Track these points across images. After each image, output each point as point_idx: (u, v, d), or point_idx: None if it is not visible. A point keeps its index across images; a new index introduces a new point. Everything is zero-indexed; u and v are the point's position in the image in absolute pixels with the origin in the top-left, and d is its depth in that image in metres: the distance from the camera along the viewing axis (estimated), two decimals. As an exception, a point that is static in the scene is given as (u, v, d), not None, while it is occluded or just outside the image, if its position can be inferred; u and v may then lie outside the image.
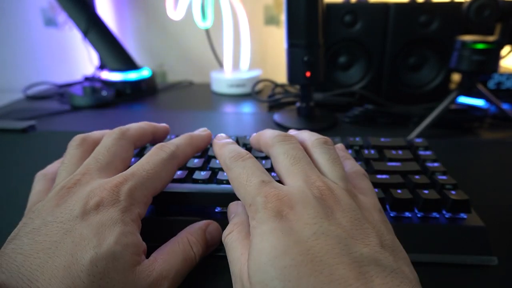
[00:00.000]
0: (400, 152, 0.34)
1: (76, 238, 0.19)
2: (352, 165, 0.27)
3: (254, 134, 0.28)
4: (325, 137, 0.25)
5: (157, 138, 0.30)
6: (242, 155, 0.23)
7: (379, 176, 0.30)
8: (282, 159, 0.23)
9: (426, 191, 0.27)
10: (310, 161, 0.23)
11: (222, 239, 0.23)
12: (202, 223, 0.25)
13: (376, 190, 0.28)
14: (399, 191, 0.28)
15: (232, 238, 0.22)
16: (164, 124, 0.31)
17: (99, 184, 0.22)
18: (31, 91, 0.75)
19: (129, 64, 0.74)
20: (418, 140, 0.36)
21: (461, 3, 0.53)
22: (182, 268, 0.22)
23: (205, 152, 0.35)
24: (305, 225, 0.18)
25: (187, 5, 0.74)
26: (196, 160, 0.33)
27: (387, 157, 0.33)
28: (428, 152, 0.34)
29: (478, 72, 0.46)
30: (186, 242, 0.23)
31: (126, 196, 0.21)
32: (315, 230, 0.18)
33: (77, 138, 0.27)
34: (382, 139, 0.36)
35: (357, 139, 0.37)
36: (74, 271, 0.18)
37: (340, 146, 0.30)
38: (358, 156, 0.35)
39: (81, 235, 0.19)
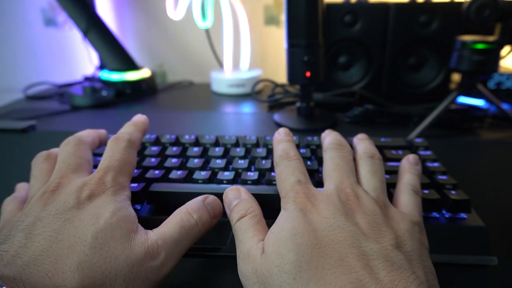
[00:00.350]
0: (400, 152, 0.34)
1: (76, 223, 0.21)
2: (409, 180, 0.26)
3: (327, 132, 0.32)
4: (374, 151, 0.27)
5: (102, 140, 0.31)
6: (290, 156, 0.26)
7: None
8: (327, 164, 0.26)
9: (426, 191, 0.28)
10: (352, 171, 0.25)
11: (233, 223, 0.24)
12: (200, 196, 0.26)
13: None
14: None
15: (244, 222, 0.23)
16: (102, 130, 0.32)
17: (83, 181, 0.23)
18: (31, 91, 0.75)
19: (129, 64, 0.74)
20: (418, 140, 0.36)
21: (461, 3, 0.53)
22: (180, 237, 0.22)
23: (205, 152, 0.35)
24: (323, 218, 0.20)
25: (187, 5, 0.74)
26: (196, 160, 0.33)
27: (387, 157, 0.33)
28: (428, 152, 0.34)
29: (478, 72, 0.46)
30: (184, 211, 0.24)
31: (112, 183, 0.23)
32: (331, 223, 0.20)
33: (42, 154, 0.28)
34: (382, 139, 0.36)
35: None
36: (78, 248, 0.19)
37: (411, 158, 0.29)
38: None
39: (80, 220, 0.21)
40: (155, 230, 0.22)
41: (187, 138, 0.38)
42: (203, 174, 0.31)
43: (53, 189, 0.23)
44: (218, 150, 0.35)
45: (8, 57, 0.97)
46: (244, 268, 0.21)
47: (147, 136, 0.38)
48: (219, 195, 0.28)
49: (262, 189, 0.28)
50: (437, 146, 0.44)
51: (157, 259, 0.21)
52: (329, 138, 0.29)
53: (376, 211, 0.21)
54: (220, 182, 0.30)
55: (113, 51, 0.73)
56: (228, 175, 0.30)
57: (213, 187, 0.29)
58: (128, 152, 0.26)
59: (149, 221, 0.28)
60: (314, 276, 0.18)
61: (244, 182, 0.30)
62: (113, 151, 0.26)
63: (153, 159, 0.33)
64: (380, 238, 0.19)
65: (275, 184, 0.29)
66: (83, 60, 0.92)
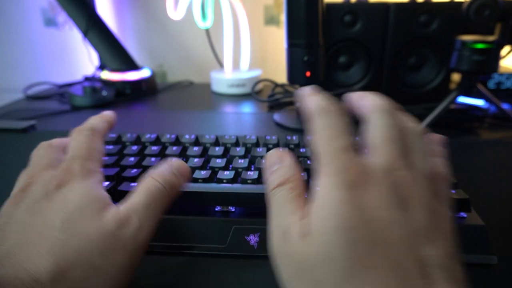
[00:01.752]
0: None
1: (44, 212, 0.21)
2: (438, 165, 0.23)
3: (357, 93, 0.25)
4: (422, 127, 0.23)
5: (111, 125, 0.31)
6: (332, 110, 0.22)
7: None
8: (375, 132, 0.21)
9: None
10: (405, 146, 0.21)
11: (269, 189, 0.22)
12: (164, 162, 0.26)
13: None
14: None
15: (283, 192, 0.21)
16: (108, 113, 0.32)
17: (51, 174, 0.23)
18: (31, 91, 0.75)
19: (129, 64, 0.74)
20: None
21: (461, 3, 0.53)
22: (149, 201, 0.23)
23: (205, 152, 0.35)
24: (377, 208, 0.18)
25: (187, 5, 0.74)
26: (196, 160, 0.33)
27: None
28: None
29: (478, 72, 0.46)
30: (149, 178, 0.24)
31: (79, 170, 0.23)
32: (386, 216, 0.17)
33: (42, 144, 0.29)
34: None
35: (357, 138, 0.37)
36: (48, 233, 0.20)
37: (438, 137, 0.26)
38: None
39: (48, 209, 0.21)
40: (124, 201, 0.23)
41: (187, 137, 0.38)
42: (203, 173, 0.31)
43: (23, 188, 0.23)
44: (218, 150, 0.35)
45: (8, 57, 0.97)
46: (278, 247, 0.19)
47: (147, 136, 0.38)
48: (220, 194, 0.28)
49: (262, 188, 0.28)
50: (437, 146, 0.44)
51: (130, 226, 0.21)
52: (376, 99, 0.23)
53: (434, 206, 0.19)
54: (220, 181, 0.30)
55: (113, 51, 0.73)
56: (228, 174, 0.30)
57: (213, 186, 0.29)
58: (92, 139, 0.26)
59: None
60: (368, 281, 0.16)
61: (244, 182, 0.30)
62: (77, 142, 0.26)
63: (153, 159, 0.33)
64: (438, 241, 0.18)
65: None
66: (83, 60, 0.92)
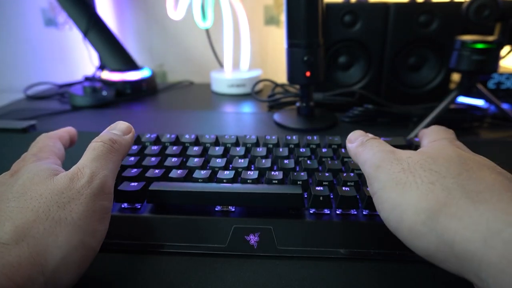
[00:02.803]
0: None
1: (2, 193, 0.23)
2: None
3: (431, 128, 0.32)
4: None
5: (72, 137, 0.33)
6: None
7: None
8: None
9: None
10: None
11: (362, 141, 0.27)
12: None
13: None
14: None
15: (379, 141, 0.27)
16: (70, 128, 0.33)
17: (11, 168, 0.26)
18: (31, 91, 0.75)
19: (129, 64, 0.74)
20: (418, 139, 0.36)
21: (461, 3, 0.53)
22: (94, 155, 0.25)
23: (205, 152, 0.35)
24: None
25: (187, 5, 0.74)
26: (196, 160, 0.33)
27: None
28: None
29: (478, 72, 0.46)
30: (91, 143, 0.26)
31: (32, 158, 0.26)
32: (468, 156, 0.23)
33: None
34: (382, 139, 0.36)
35: None
36: (5, 205, 0.21)
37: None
38: None
39: (2, 191, 0.23)
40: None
41: (187, 137, 0.38)
42: (203, 173, 0.31)
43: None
44: (218, 150, 0.35)
45: (8, 57, 0.97)
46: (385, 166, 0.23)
47: (148, 136, 0.38)
48: (220, 194, 0.28)
49: (262, 188, 0.28)
50: (437, 146, 0.44)
51: (82, 177, 0.23)
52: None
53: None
54: (220, 181, 0.30)
55: (113, 51, 0.73)
56: (228, 174, 0.30)
57: (213, 186, 0.29)
58: (45, 139, 0.29)
59: (150, 221, 0.28)
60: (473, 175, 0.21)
61: (244, 181, 0.30)
62: (34, 142, 0.29)
63: (153, 158, 0.33)
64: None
65: (275, 183, 0.29)
66: (83, 60, 0.92)
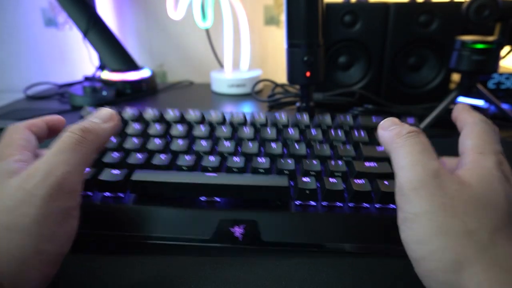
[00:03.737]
0: None
1: None
2: None
3: (461, 105, 0.30)
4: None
5: (51, 125, 0.31)
6: (490, 123, 0.27)
7: (367, 164, 0.29)
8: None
9: None
10: None
11: (400, 135, 0.24)
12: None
13: (363, 181, 0.28)
14: (386, 182, 0.27)
15: (421, 140, 0.24)
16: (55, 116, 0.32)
17: None
18: (31, 91, 0.75)
19: (129, 64, 0.74)
20: (410, 120, 0.34)
21: (461, 3, 0.53)
22: (59, 147, 0.23)
23: (190, 130, 0.34)
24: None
25: (187, 5, 0.74)
26: (181, 142, 0.32)
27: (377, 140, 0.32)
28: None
29: (478, 72, 0.46)
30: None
31: None
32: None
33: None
34: (374, 119, 0.34)
35: (348, 118, 0.35)
36: None
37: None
38: (347, 138, 0.33)
39: None
40: None
41: (171, 114, 0.37)
42: (188, 159, 0.30)
43: None
44: (204, 130, 0.34)
45: (8, 57, 0.97)
46: (426, 180, 0.21)
47: (130, 112, 0.37)
48: (204, 186, 0.27)
49: (248, 180, 0.28)
50: (437, 145, 0.44)
51: (36, 176, 0.21)
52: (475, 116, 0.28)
53: None
54: (205, 169, 0.29)
55: (113, 51, 0.73)
56: (214, 162, 0.30)
57: (197, 176, 0.28)
58: (15, 132, 0.26)
59: (133, 211, 0.28)
60: None
61: (230, 170, 0.29)
62: (1, 136, 0.27)
63: (135, 140, 0.32)
64: None
65: (261, 172, 0.29)
66: (83, 60, 0.92)
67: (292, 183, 0.29)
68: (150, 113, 0.36)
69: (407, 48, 0.57)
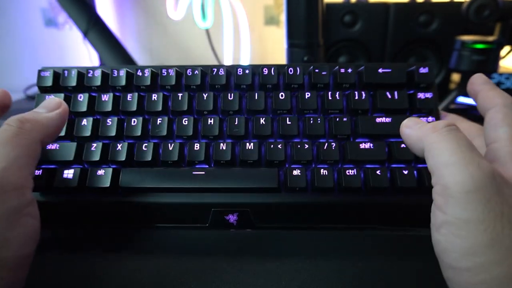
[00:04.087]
0: (396, 97, 0.29)
1: None
2: None
3: (481, 77, 0.26)
4: None
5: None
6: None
7: (362, 147, 0.28)
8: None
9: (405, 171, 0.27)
10: None
11: (437, 128, 0.20)
12: None
13: (354, 172, 0.27)
14: (378, 172, 0.27)
15: (460, 133, 0.20)
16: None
17: None
18: (31, 91, 0.75)
19: (129, 64, 0.74)
20: (423, 70, 0.30)
21: (461, 3, 0.53)
22: None
23: (166, 101, 0.30)
24: None
25: (187, 5, 0.74)
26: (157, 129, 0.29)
27: (379, 107, 0.29)
28: (429, 94, 0.30)
29: (478, 72, 0.46)
30: None
31: None
32: None
33: None
34: (380, 70, 0.30)
35: (349, 70, 0.30)
36: None
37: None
38: (347, 102, 0.29)
39: None
40: None
41: (139, 74, 0.32)
42: (171, 151, 0.28)
43: None
44: (182, 99, 0.30)
45: (8, 57, 0.97)
46: (474, 176, 0.18)
47: (65, 73, 0.34)
48: (193, 189, 0.28)
49: (236, 180, 0.28)
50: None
51: None
52: (501, 94, 0.23)
53: None
54: (191, 163, 0.28)
55: (113, 51, 0.73)
56: (199, 154, 0.28)
57: (184, 180, 0.28)
58: None
59: (125, 205, 0.28)
60: None
61: (217, 164, 0.28)
62: None
63: (84, 122, 0.31)
64: None
65: (250, 163, 0.28)
66: (83, 60, 0.92)
67: (281, 173, 0.28)
68: (94, 75, 0.33)
69: (407, 48, 0.57)
